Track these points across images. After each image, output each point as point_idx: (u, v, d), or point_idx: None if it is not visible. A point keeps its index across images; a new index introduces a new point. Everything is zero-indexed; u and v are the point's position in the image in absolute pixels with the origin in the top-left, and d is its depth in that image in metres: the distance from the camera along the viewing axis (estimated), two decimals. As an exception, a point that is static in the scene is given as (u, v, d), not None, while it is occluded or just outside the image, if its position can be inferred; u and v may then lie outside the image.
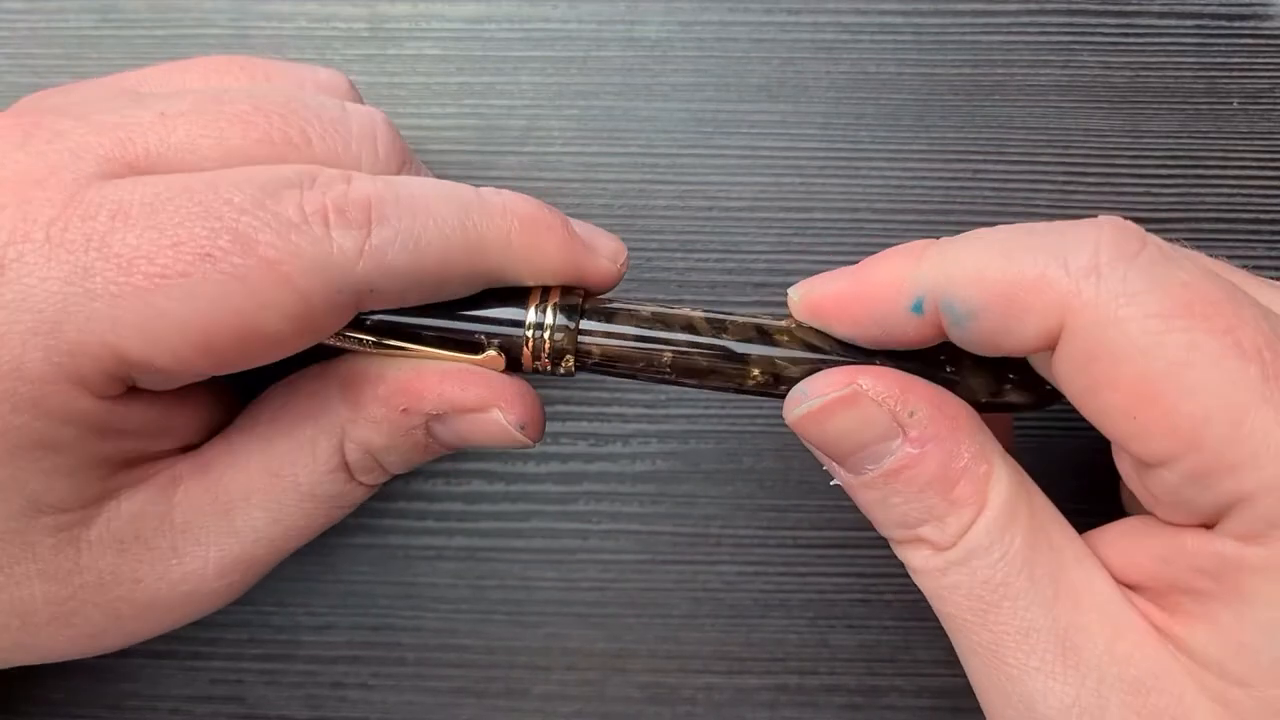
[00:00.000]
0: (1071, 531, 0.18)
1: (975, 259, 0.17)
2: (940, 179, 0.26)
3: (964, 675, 0.25)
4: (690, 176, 0.26)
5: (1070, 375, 0.16)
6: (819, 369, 0.18)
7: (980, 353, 0.18)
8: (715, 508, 0.25)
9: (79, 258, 0.16)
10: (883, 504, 0.18)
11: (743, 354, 0.19)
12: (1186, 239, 0.26)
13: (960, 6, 0.27)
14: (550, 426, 0.25)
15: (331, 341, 0.19)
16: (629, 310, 0.19)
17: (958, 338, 0.17)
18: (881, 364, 0.18)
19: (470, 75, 0.26)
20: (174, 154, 0.17)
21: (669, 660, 0.24)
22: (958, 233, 0.25)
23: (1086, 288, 0.15)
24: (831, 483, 0.19)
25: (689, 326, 0.19)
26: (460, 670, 0.25)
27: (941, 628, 0.25)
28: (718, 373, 0.19)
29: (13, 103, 0.26)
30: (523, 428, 0.19)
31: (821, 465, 0.19)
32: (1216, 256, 0.26)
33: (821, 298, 0.18)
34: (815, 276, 0.19)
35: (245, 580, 0.20)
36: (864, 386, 0.17)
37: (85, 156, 0.17)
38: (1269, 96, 0.26)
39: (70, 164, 0.17)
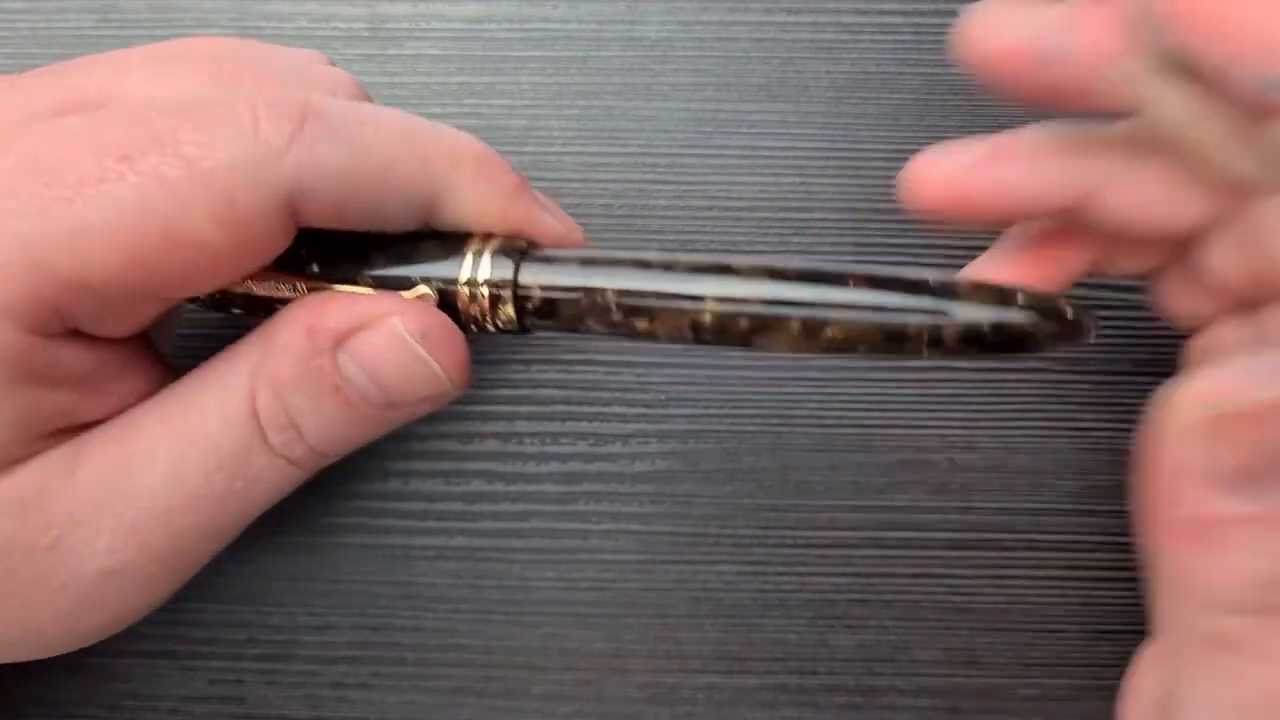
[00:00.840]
0: None
1: None
2: (940, 179, 0.26)
3: (962, 676, 0.25)
4: (690, 176, 0.26)
5: None
6: (781, 305, 0.16)
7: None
8: (714, 508, 0.25)
9: (8, 181, 0.15)
10: (1252, 550, 0.14)
11: (695, 291, 0.17)
12: (1187, 239, 0.26)
13: (960, 6, 0.26)
14: (550, 426, 0.25)
15: (268, 292, 0.18)
16: (573, 255, 0.18)
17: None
18: (855, 284, 0.16)
19: (470, 75, 0.26)
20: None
21: (668, 660, 0.24)
22: (958, 232, 0.25)
23: None
24: (1169, 517, 0.15)
25: (637, 265, 0.17)
26: (459, 670, 0.25)
27: (940, 628, 0.25)
28: (669, 311, 0.17)
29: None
30: (424, 338, 0.18)
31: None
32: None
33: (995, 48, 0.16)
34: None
35: (139, 564, 0.17)
36: None
37: (37, 102, 0.17)
38: (1270, 96, 0.26)
39: (21, 106, 0.17)
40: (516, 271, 0.18)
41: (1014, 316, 0.16)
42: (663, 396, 0.25)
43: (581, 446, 0.25)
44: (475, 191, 0.18)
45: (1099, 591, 0.24)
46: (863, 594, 0.25)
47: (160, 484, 0.17)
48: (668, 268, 0.17)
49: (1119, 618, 0.24)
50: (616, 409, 0.25)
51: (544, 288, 0.18)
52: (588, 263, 0.18)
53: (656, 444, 0.25)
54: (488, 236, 0.19)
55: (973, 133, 0.26)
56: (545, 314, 0.18)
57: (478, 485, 0.25)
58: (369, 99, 0.20)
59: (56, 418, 0.17)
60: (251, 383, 0.18)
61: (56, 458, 0.17)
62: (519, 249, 0.18)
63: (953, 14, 0.26)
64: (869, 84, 0.26)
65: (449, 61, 0.27)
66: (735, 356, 0.25)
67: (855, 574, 0.25)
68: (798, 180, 0.26)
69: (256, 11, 0.27)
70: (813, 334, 0.17)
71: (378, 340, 0.18)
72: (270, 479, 0.18)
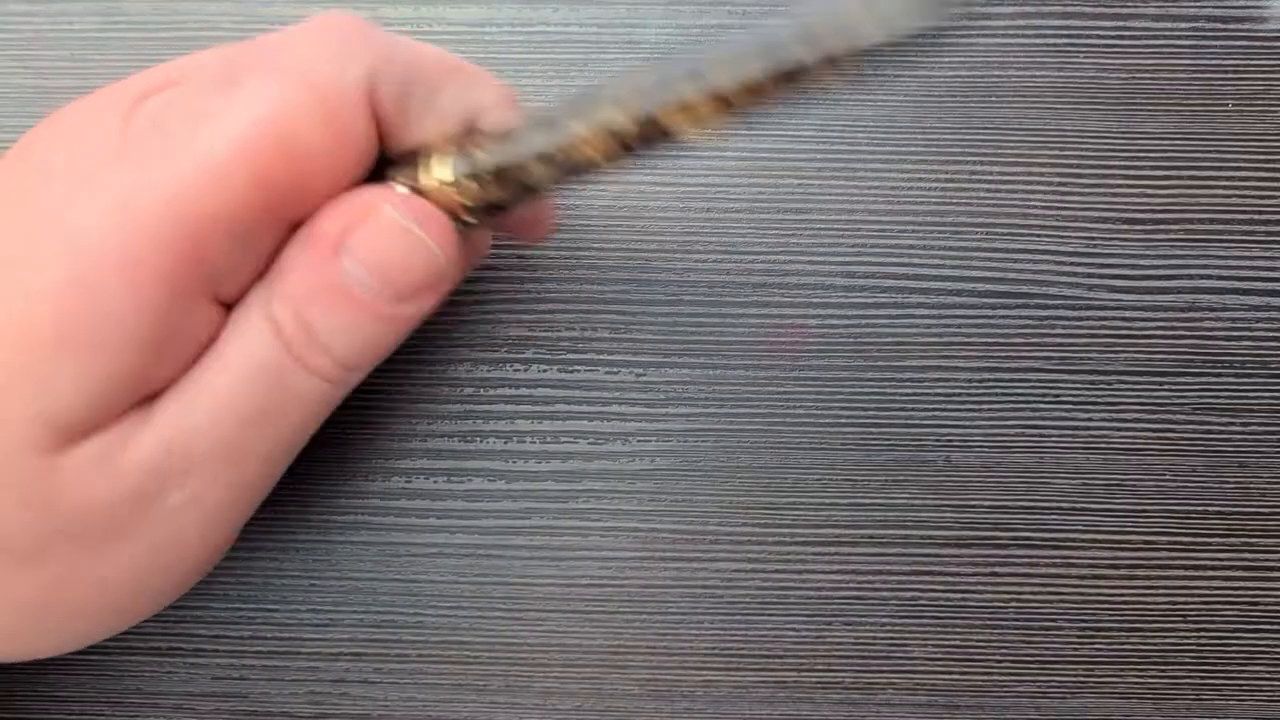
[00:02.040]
0: None
1: None
2: (936, 181, 0.26)
3: (959, 672, 0.25)
4: (689, 178, 0.26)
5: None
6: (649, 118, 0.17)
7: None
8: (713, 505, 0.25)
9: (137, 147, 0.17)
10: None
11: (571, 131, 0.18)
12: (1181, 240, 0.26)
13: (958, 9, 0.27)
14: (550, 425, 0.25)
15: None
16: (495, 134, 0.19)
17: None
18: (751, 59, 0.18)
19: (471, 77, 0.27)
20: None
21: (668, 656, 0.25)
22: (954, 234, 0.26)
23: None
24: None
25: (542, 125, 0.19)
26: (461, 666, 0.25)
27: (936, 624, 0.25)
28: (571, 168, 0.18)
29: (17, 106, 0.27)
30: (418, 221, 0.19)
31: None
32: (1211, 259, 0.26)
33: None
34: None
35: (209, 497, 0.18)
36: None
37: (136, 86, 0.18)
38: (1263, 99, 0.26)
39: (126, 90, 0.18)
40: (455, 169, 0.19)
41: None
42: (662, 396, 0.25)
43: (581, 445, 0.25)
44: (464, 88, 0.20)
45: (1093, 588, 0.25)
46: (860, 591, 0.25)
47: (215, 415, 0.18)
48: (542, 130, 0.18)
49: (1112, 614, 0.25)
50: (616, 408, 0.25)
51: (476, 195, 0.19)
52: (505, 139, 0.19)
53: (656, 443, 0.25)
54: (444, 144, 0.19)
55: (968, 135, 0.26)
56: (491, 212, 0.19)
57: (479, 483, 0.25)
58: None
59: (157, 386, 0.18)
60: (269, 306, 0.18)
61: (134, 413, 0.18)
62: (458, 148, 0.19)
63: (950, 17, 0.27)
64: (866, 87, 0.26)
65: (450, 64, 0.27)
66: (734, 356, 0.25)
67: (852, 571, 0.25)
68: (795, 182, 0.26)
69: (260, 15, 0.27)
70: (724, 110, 0.18)
71: (375, 230, 0.18)
72: (306, 396, 0.19)
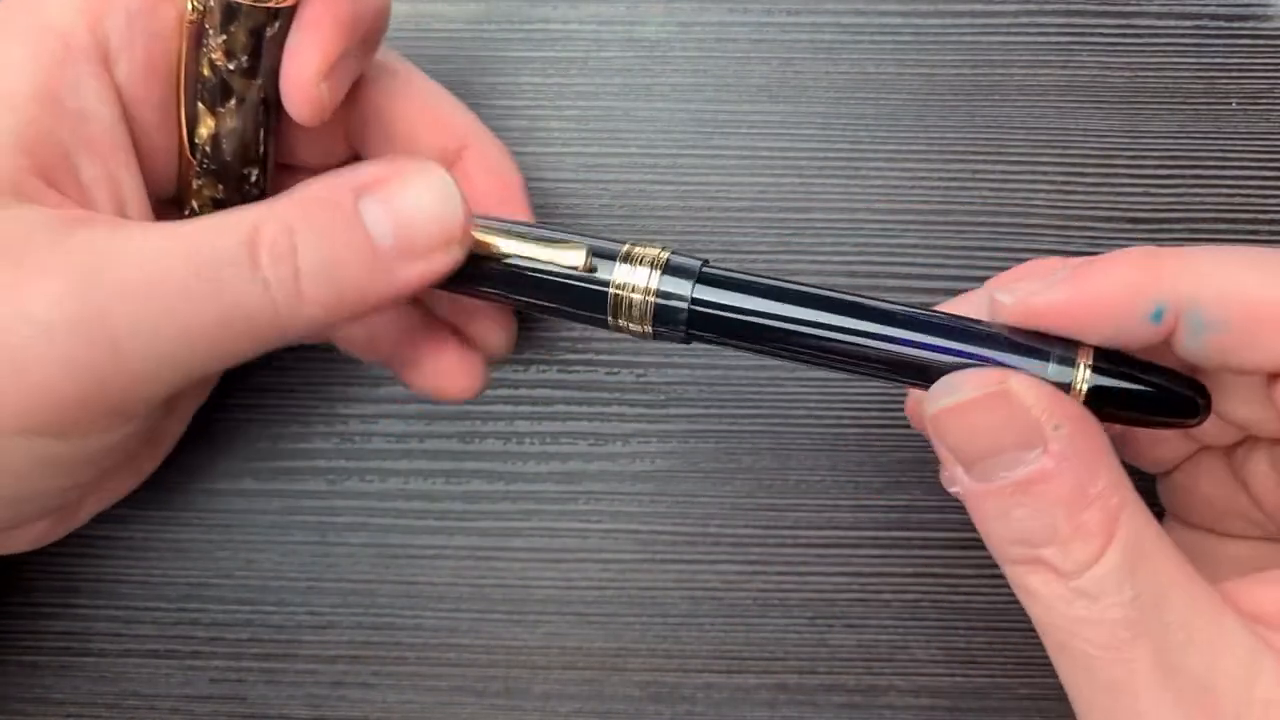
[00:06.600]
0: (1195, 572, 0.17)
1: (1227, 274, 0.17)
2: (939, 179, 0.26)
3: (961, 675, 0.25)
4: (690, 177, 0.26)
5: None
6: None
7: (1198, 365, 0.18)
8: (714, 507, 0.25)
9: None
10: (1003, 517, 0.17)
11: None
12: (1185, 239, 0.26)
13: (959, 7, 0.27)
14: (550, 426, 0.25)
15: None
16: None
17: (1184, 349, 0.17)
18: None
19: (471, 76, 0.27)
20: None
21: (668, 659, 0.25)
22: (957, 233, 0.26)
23: None
24: (953, 489, 0.18)
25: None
26: (460, 669, 0.25)
27: (939, 627, 0.25)
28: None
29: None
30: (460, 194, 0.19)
31: (937, 470, 0.18)
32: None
33: (1045, 306, 0.17)
34: (1022, 279, 0.18)
35: (81, 325, 0.17)
36: (1015, 389, 0.17)
37: None
38: (1267, 97, 0.26)
39: None
40: None
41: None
42: (662, 397, 0.25)
43: (581, 446, 0.25)
44: None
45: (1097, 590, 0.25)
46: (862, 593, 0.25)
47: (137, 257, 0.17)
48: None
49: (1117, 617, 0.24)
50: (616, 409, 0.25)
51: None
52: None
53: (656, 444, 0.25)
54: None
55: (971, 134, 0.26)
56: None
57: (478, 485, 0.25)
58: None
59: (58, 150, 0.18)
60: (257, 216, 0.17)
61: (56, 217, 0.17)
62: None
63: (952, 15, 0.27)
64: (868, 85, 0.26)
65: (450, 62, 0.27)
66: (734, 356, 0.25)
67: (854, 573, 0.25)
68: (797, 181, 0.26)
69: None
70: None
71: (413, 183, 0.18)
72: (246, 303, 0.17)
